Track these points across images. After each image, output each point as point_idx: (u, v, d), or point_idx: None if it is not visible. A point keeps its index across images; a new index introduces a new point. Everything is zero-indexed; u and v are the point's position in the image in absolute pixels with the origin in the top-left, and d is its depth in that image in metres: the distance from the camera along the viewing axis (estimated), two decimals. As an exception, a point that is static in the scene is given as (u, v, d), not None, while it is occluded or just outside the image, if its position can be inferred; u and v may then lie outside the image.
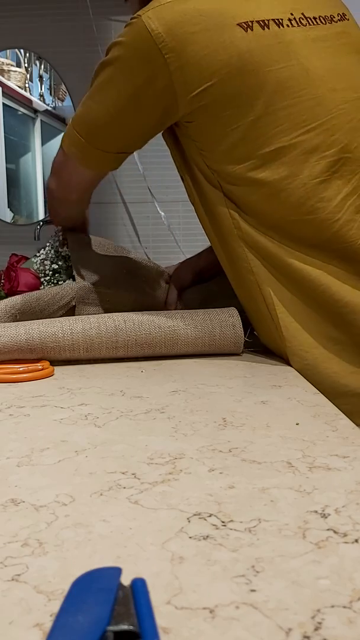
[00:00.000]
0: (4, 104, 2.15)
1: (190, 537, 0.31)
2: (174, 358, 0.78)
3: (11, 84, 2.16)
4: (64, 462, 0.42)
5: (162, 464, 0.41)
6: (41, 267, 0.97)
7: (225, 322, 0.78)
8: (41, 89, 2.20)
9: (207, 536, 0.31)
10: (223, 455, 0.43)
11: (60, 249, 0.98)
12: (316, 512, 0.34)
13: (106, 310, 0.89)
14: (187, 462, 0.42)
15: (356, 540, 0.30)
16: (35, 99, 2.20)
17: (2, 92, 2.14)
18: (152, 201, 2.16)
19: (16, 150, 2.20)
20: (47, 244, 1.01)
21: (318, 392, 0.61)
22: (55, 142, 2.22)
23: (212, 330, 0.78)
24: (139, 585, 0.25)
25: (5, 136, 2.16)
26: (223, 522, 0.33)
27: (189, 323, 0.77)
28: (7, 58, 2.16)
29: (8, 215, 2.19)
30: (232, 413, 0.54)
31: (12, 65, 2.17)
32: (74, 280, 0.93)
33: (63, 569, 0.28)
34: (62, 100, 2.19)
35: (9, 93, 2.16)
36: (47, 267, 0.97)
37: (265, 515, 0.33)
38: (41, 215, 2.20)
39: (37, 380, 0.68)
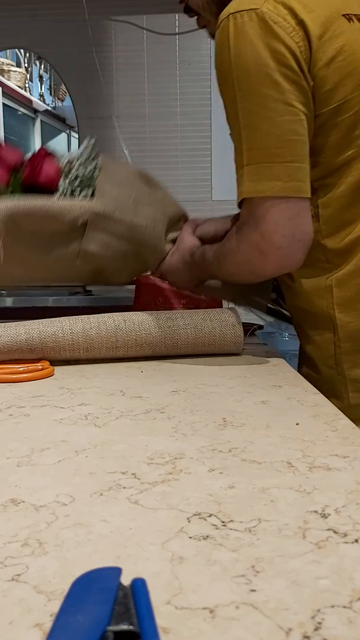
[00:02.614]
0: (4, 104, 2.15)
1: (190, 537, 0.31)
2: (174, 358, 0.78)
3: (11, 84, 2.16)
4: (64, 462, 0.42)
5: (162, 464, 0.41)
6: (66, 166, 0.89)
7: (225, 322, 0.78)
8: (41, 89, 2.20)
9: (207, 536, 0.31)
10: (223, 455, 0.43)
11: (93, 159, 0.91)
12: (316, 512, 0.34)
13: (115, 244, 0.83)
14: (187, 462, 0.42)
15: (356, 540, 0.30)
16: (35, 99, 2.20)
17: (2, 92, 2.14)
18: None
19: (16, 150, 2.20)
20: (83, 146, 0.93)
21: (318, 392, 0.61)
22: (56, 142, 2.21)
23: (212, 330, 0.78)
24: (139, 585, 0.25)
25: (5, 136, 2.16)
26: (223, 522, 0.33)
27: (189, 323, 0.77)
28: (7, 58, 2.16)
29: (8, 215, 2.19)
30: (232, 413, 0.54)
31: (12, 65, 2.17)
32: (91, 198, 0.86)
33: (63, 569, 0.28)
34: (62, 100, 2.19)
35: (9, 93, 2.16)
36: (72, 168, 0.89)
37: (265, 515, 0.33)
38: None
39: (37, 380, 0.68)
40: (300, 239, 0.70)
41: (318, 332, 0.80)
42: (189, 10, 0.85)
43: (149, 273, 0.99)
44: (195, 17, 0.85)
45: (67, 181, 0.88)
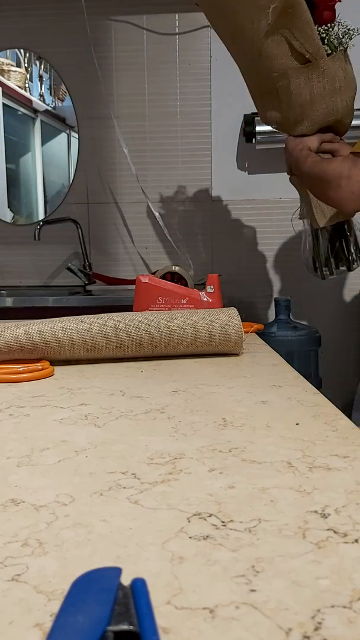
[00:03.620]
0: (4, 104, 2.15)
1: (190, 537, 0.31)
2: (174, 358, 0.78)
3: (11, 84, 2.16)
4: (64, 462, 0.42)
5: (162, 464, 0.41)
6: None
7: (225, 322, 0.78)
8: (41, 89, 2.20)
9: (207, 536, 0.31)
10: (223, 455, 0.43)
11: None
12: (316, 512, 0.34)
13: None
14: (187, 462, 0.42)
15: (356, 540, 0.30)
16: (35, 99, 2.20)
17: (2, 92, 2.14)
18: (151, 201, 2.16)
19: (16, 150, 2.20)
20: None
21: (318, 392, 0.61)
22: (55, 142, 2.22)
23: (212, 330, 0.78)
24: (139, 585, 0.25)
25: (5, 136, 2.16)
26: (223, 522, 0.33)
27: (189, 323, 0.77)
28: (7, 58, 2.16)
29: (8, 215, 2.19)
30: (232, 413, 0.54)
31: (12, 65, 2.17)
32: None
33: (63, 569, 0.28)
34: (62, 100, 2.19)
35: (9, 93, 2.16)
36: None
37: (265, 515, 0.33)
38: (41, 215, 2.20)
39: (37, 380, 0.68)
40: None
41: None
42: None
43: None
44: None
45: None
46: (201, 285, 1.07)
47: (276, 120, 1.16)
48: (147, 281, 1.02)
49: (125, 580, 0.26)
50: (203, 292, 1.02)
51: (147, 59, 2.14)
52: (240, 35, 1.07)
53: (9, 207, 2.20)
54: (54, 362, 0.73)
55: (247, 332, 0.91)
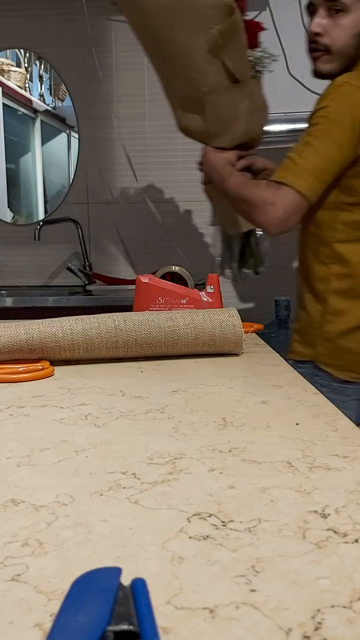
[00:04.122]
0: (4, 104, 2.15)
1: (190, 537, 0.31)
2: (174, 358, 0.78)
3: (11, 84, 2.16)
4: (64, 462, 0.42)
5: (162, 464, 0.41)
6: None
7: (225, 322, 0.78)
8: (41, 89, 2.20)
9: (207, 536, 0.31)
10: (223, 455, 0.43)
11: None
12: (316, 512, 0.34)
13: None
14: (187, 462, 0.42)
15: (356, 540, 0.30)
16: (35, 99, 2.20)
17: (2, 92, 2.14)
18: (151, 201, 2.16)
19: (16, 150, 2.20)
20: None
21: (318, 392, 0.61)
22: (55, 142, 2.22)
23: (212, 330, 0.78)
24: (139, 585, 0.25)
25: (5, 136, 2.16)
26: (223, 522, 0.33)
27: (189, 323, 0.77)
28: (7, 58, 2.16)
29: (8, 215, 2.19)
30: (232, 413, 0.54)
31: (12, 65, 2.17)
32: None
33: (63, 569, 0.28)
34: (62, 100, 2.19)
35: (9, 93, 2.16)
36: None
37: (265, 515, 0.33)
38: (41, 215, 2.20)
39: (37, 380, 0.68)
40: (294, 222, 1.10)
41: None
42: None
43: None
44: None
45: None
46: (201, 285, 1.07)
47: (197, 130, 1.23)
48: (147, 281, 1.02)
49: (125, 580, 0.26)
50: (203, 292, 1.02)
51: (147, 59, 2.14)
52: (170, 46, 1.12)
53: (9, 207, 2.20)
54: (54, 362, 0.73)
55: (247, 332, 0.91)
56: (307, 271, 1.19)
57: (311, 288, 1.17)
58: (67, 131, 2.20)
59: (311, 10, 1.09)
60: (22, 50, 2.16)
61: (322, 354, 1.16)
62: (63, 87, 2.17)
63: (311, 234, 1.16)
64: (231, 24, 1.06)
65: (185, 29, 1.08)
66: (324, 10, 1.06)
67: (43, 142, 2.21)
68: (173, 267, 1.14)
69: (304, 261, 1.20)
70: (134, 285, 1.05)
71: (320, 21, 1.06)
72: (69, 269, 2.13)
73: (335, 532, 0.31)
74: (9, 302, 1.82)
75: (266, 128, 1.85)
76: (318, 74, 1.12)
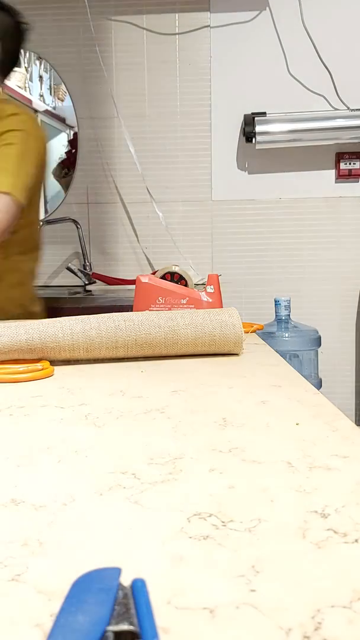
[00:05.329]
0: (4, 104, 2.14)
1: (190, 537, 0.31)
2: (174, 358, 0.78)
3: (11, 84, 2.16)
4: (64, 462, 0.42)
5: (162, 464, 0.41)
6: None
7: (225, 322, 0.78)
8: (41, 89, 2.20)
9: (207, 536, 0.31)
10: (223, 455, 0.43)
11: None
12: (316, 512, 0.34)
13: None
14: (187, 462, 0.42)
15: (356, 540, 0.30)
16: (35, 99, 2.20)
17: (2, 92, 2.14)
18: (151, 201, 2.16)
19: (16, 150, 2.19)
20: None
21: (318, 392, 0.61)
22: (55, 142, 2.21)
23: (212, 330, 0.78)
24: (139, 585, 0.25)
25: (5, 136, 2.15)
26: (223, 522, 0.33)
27: (189, 323, 0.77)
28: (7, 58, 2.15)
29: (8, 215, 2.19)
30: (232, 413, 0.54)
31: (12, 65, 2.17)
32: None
33: (63, 569, 0.28)
34: (62, 100, 2.19)
35: (9, 93, 2.16)
36: None
37: (265, 515, 0.33)
38: (41, 215, 2.20)
39: (37, 380, 0.68)
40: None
41: None
42: None
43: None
44: None
45: None
46: (201, 285, 1.07)
47: None
48: (147, 281, 1.02)
49: (125, 580, 0.26)
50: (203, 292, 1.02)
51: (147, 59, 2.14)
52: None
53: (9, 207, 2.19)
54: (54, 362, 0.73)
55: (247, 332, 0.91)
56: None
57: None
58: (67, 131, 2.20)
59: None
60: (22, 50, 2.16)
61: None
62: (63, 87, 2.17)
63: None
64: None
65: None
66: None
67: (43, 142, 2.20)
68: (173, 267, 1.14)
69: None
70: (134, 285, 1.05)
71: None
72: (69, 269, 2.13)
73: (335, 532, 0.31)
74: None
75: (266, 128, 1.85)
76: None
